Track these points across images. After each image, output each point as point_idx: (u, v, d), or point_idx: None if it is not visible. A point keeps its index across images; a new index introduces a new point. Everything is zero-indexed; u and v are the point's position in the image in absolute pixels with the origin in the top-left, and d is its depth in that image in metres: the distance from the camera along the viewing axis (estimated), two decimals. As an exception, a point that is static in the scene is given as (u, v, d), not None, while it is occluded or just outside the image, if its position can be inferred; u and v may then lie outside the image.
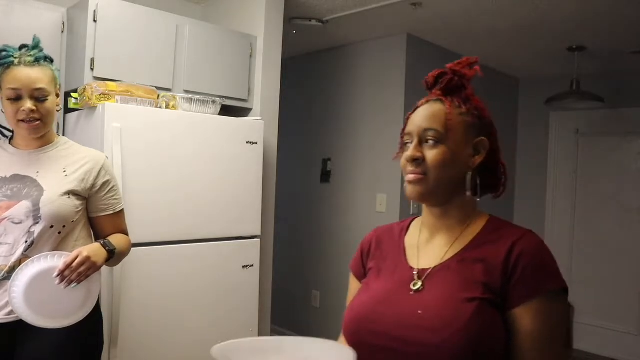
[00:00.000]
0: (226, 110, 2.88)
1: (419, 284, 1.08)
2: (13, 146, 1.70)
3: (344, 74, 4.11)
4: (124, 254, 1.81)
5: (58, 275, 1.47)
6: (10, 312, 1.58)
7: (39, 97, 1.60)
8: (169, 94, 2.63)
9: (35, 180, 1.63)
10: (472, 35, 3.68)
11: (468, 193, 1.11)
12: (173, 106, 2.56)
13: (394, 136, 3.77)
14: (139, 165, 2.35)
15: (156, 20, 2.70)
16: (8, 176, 1.63)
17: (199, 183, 2.56)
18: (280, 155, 3.21)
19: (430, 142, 1.11)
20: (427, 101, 1.18)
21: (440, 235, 1.16)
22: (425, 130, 1.12)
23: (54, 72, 1.68)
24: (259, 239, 2.82)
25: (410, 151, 1.12)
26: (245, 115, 3.07)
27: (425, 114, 1.14)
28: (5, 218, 1.56)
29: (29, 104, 1.57)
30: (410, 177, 1.12)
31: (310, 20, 3.48)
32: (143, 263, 2.38)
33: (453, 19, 3.36)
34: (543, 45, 3.79)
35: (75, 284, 1.49)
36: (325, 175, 4.21)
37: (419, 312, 1.01)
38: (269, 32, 3.12)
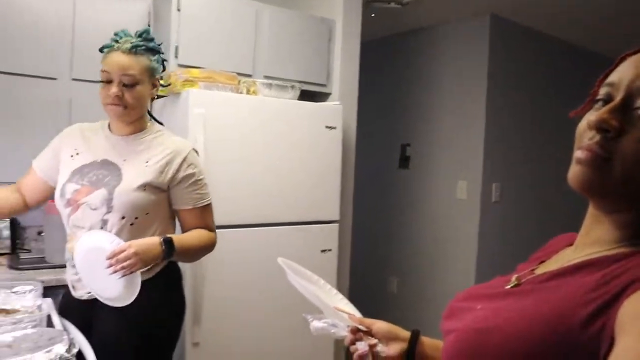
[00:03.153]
0: (305, 95, 2.88)
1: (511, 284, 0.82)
2: (110, 130, 1.75)
3: (423, 57, 4.02)
4: (196, 252, 1.78)
5: (108, 259, 1.49)
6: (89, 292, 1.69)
7: (127, 83, 1.61)
8: (249, 79, 2.67)
9: (119, 169, 1.66)
10: (565, 14, 3.47)
11: None
12: (253, 91, 2.60)
13: (476, 122, 3.67)
14: (221, 150, 2.41)
15: (236, 7, 2.74)
16: (99, 160, 1.69)
17: (278, 167, 2.59)
18: (358, 140, 3.19)
19: None
20: None
21: (578, 249, 0.79)
22: None
23: (150, 62, 1.68)
24: (337, 224, 2.82)
25: (602, 113, 0.68)
26: (324, 100, 3.07)
27: None
28: (84, 203, 1.63)
29: (115, 89, 1.60)
30: (583, 154, 0.70)
31: (389, 3, 3.42)
32: (225, 245, 2.43)
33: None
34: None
35: (119, 275, 1.49)
36: (404, 161, 4.15)
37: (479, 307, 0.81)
38: (348, 16, 3.09)
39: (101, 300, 1.62)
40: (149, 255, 1.56)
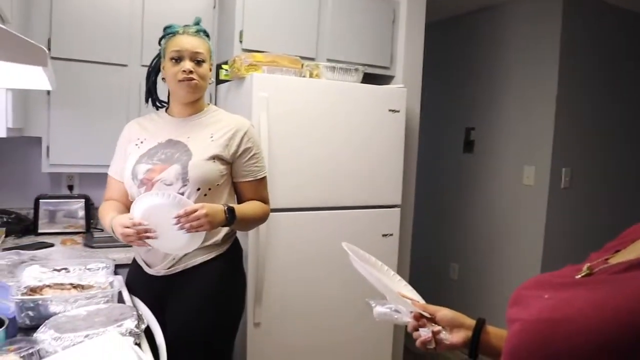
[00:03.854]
0: (368, 78, 2.86)
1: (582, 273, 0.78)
2: (169, 114, 1.88)
3: (490, 38, 3.89)
4: (252, 221, 1.90)
5: (176, 217, 1.58)
6: (169, 268, 1.78)
7: (197, 60, 1.76)
8: (312, 63, 2.67)
9: (185, 145, 1.77)
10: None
11: None
12: (316, 75, 2.60)
13: (546, 104, 3.52)
14: (284, 133, 2.43)
15: (300, -10, 2.74)
16: (164, 141, 1.80)
17: (341, 151, 2.59)
18: (421, 123, 3.13)
19: None
20: None
21: None
22: None
23: (210, 46, 1.84)
24: (399, 208, 2.80)
25: None
26: (388, 83, 3.03)
27: None
28: (159, 180, 1.72)
29: (188, 65, 1.74)
30: None
31: (455, -18, 3.33)
32: (286, 227, 2.47)
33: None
34: None
35: (183, 231, 1.59)
36: (468, 145, 4.05)
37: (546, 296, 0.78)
38: (412, -3, 3.03)
39: (160, 249, 1.72)
40: (216, 219, 1.66)
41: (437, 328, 1.05)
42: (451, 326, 1.05)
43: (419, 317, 1.07)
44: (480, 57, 3.96)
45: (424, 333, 1.04)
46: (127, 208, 1.79)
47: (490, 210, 3.87)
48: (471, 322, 1.05)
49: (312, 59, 2.78)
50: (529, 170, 3.59)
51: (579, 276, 0.77)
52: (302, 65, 2.60)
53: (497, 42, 3.83)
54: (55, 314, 1.46)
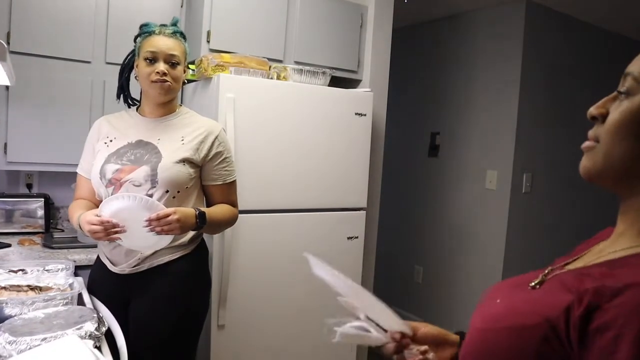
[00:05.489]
0: (335, 82, 2.87)
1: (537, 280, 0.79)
2: (140, 114, 1.86)
3: (456, 44, 3.95)
4: (221, 225, 1.90)
5: (148, 220, 1.58)
6: (134, 266, 1.77)
7: (171, 62, 1.75)
8: (280, 65, 2.66)
9: (155, 147, 1.75)
10: (604, 1, 3.36)
11: None
12: (284, 77, 2.59)
13: (508, 110, 3.59)
14: (250, 135, 2.42)
15: (269, -9, 2.73)
16: (133, 142, 1.78)
17: (307, 153, 2.59)
18: (388, 127, 3.16)
19: (622, 94, 0.70)
20: None
21: (612, 242, 0.75)
22: (626, 75, 0.70)
23: (185, 48, 1.83)
24: (364, 211, 2.81)
25: (597, 104, 0.74)
26: (355, 87, 3.05)
27: None
28: (128, 180, 1.70)
29: (162, 66, 1.73)
30: (584, 144, 0.75)
31: (423, -11, 3.37)
32: (251, 229, 2.46)
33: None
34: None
35: (153, 233, 1.60)
36: (433, 150, 4.11)
37: (497, 300, 0.79)
38: (380, 2, 3.05)
39: (127, 246, 1.72)
40: (187, 224, 1.66)
41: (423, 348, 0.94)
42: (436, 344, 0.97)
43: (400, 337, 0.93)
44: (446, 64, 4.02)
45: (411, 356, 0.92)
46: (96, 207, 1.75)
47: (454, 213, 3.93)
48: (455, 337, 0.98)
49: (279, 61, 2.77)
50: (492, 174, 3.66)
51: (532, 283, 0.78)
52: (270, 67, 2.59)
53: (462, 49, 3.90)
54: (11, 316, 1.42)
